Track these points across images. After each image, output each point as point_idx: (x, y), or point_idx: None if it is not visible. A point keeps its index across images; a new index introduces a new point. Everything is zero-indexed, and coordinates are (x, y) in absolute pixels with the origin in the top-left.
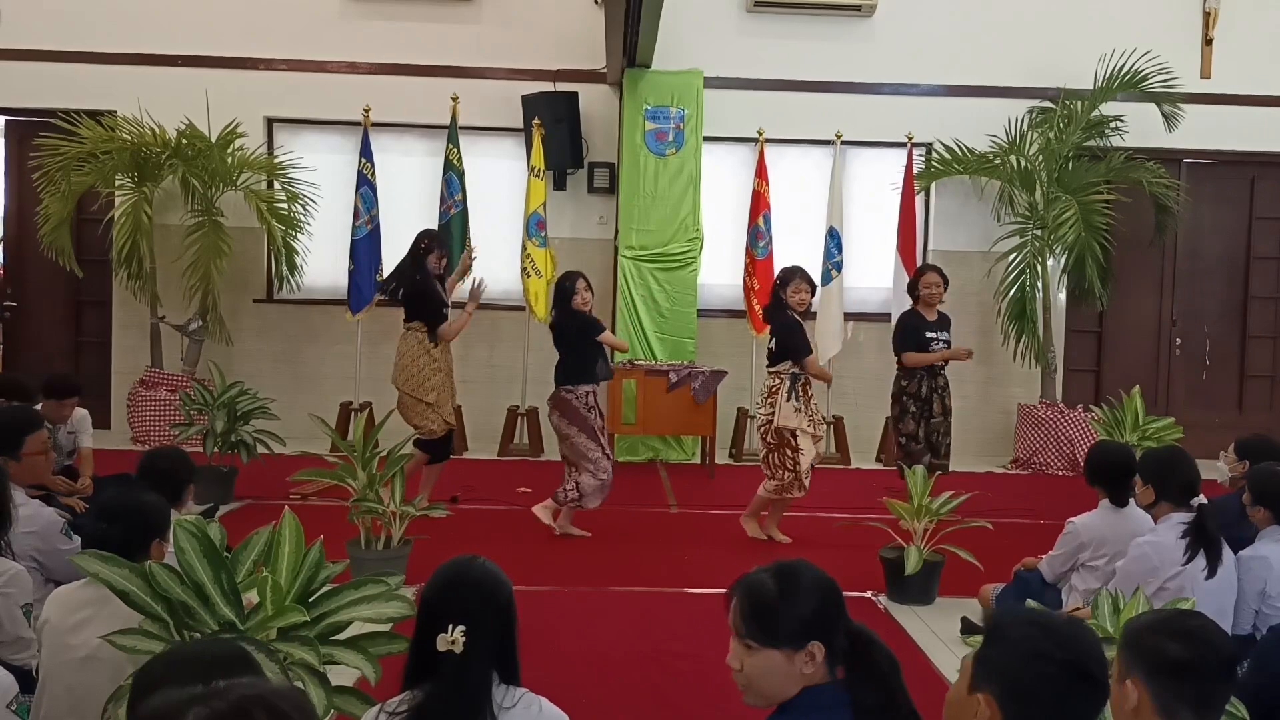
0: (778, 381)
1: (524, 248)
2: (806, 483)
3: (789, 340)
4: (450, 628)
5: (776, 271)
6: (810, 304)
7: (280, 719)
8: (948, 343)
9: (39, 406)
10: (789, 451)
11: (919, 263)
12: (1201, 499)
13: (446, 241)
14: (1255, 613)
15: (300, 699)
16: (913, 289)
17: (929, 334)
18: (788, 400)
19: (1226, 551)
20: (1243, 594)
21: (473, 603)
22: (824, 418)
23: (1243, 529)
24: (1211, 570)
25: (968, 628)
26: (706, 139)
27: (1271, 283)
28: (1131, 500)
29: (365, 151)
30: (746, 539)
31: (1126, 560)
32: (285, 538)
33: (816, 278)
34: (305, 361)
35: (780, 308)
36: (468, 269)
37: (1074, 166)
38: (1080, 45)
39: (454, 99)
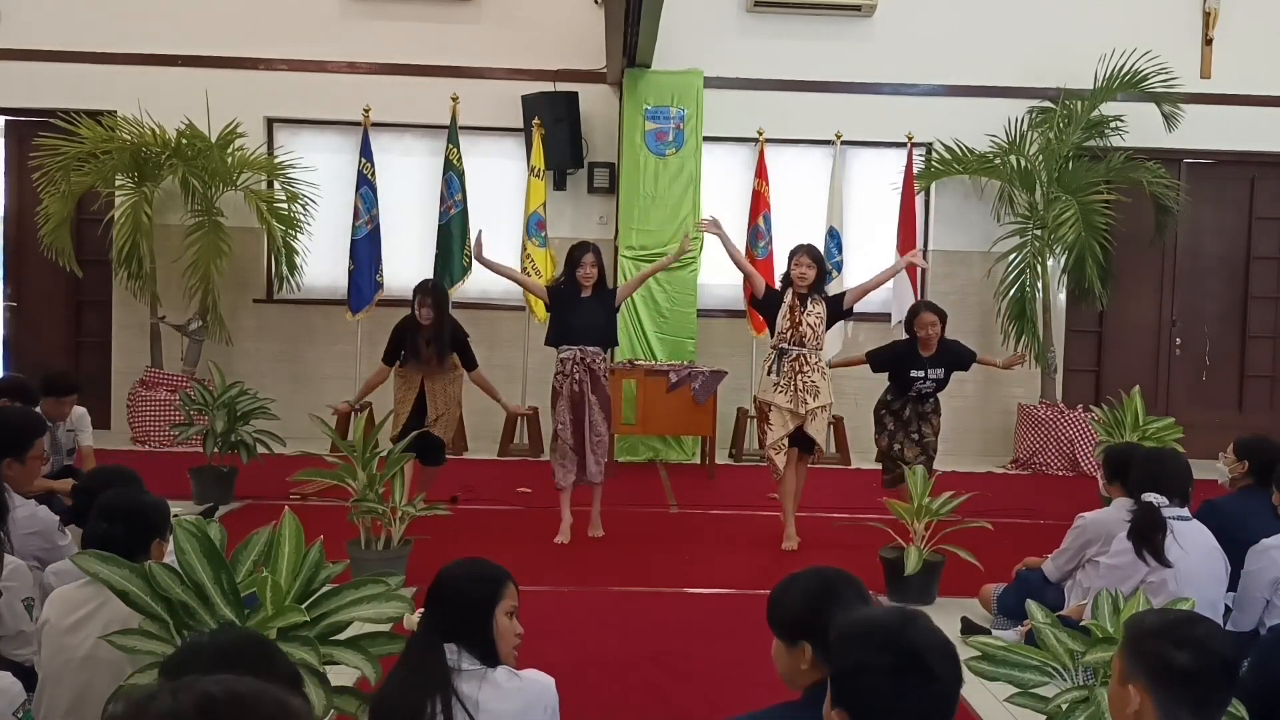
0: (768, 355)
1: (524, 248)
2: (779, 461)
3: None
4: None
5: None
6: (811, 279)
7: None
8: (936, 381)
9: (39, 406)
10: (764, 425)
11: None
12: (1156, 497)
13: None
14: (1265, 603)
15: (264, 692)
16: (909, 327)
17: (914, 372)
18: (768, 374)
19: (1203, 549)
20: (1252, 585)
21: (433, 587)
22: (820, 405)
23: (1246, 529)
24: (1160, 561)
25: (968, 628)
26: (706, 139)
27: (1271, 283)
28: None
29: (365, 151)
30: (747, 539)
31: (1112, 554)
32: (285, 538)
33: None
34: (305, 361)
35: (786, 281)
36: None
37: (1074, 166)
38: (1080, 45)
39: (454, 99)
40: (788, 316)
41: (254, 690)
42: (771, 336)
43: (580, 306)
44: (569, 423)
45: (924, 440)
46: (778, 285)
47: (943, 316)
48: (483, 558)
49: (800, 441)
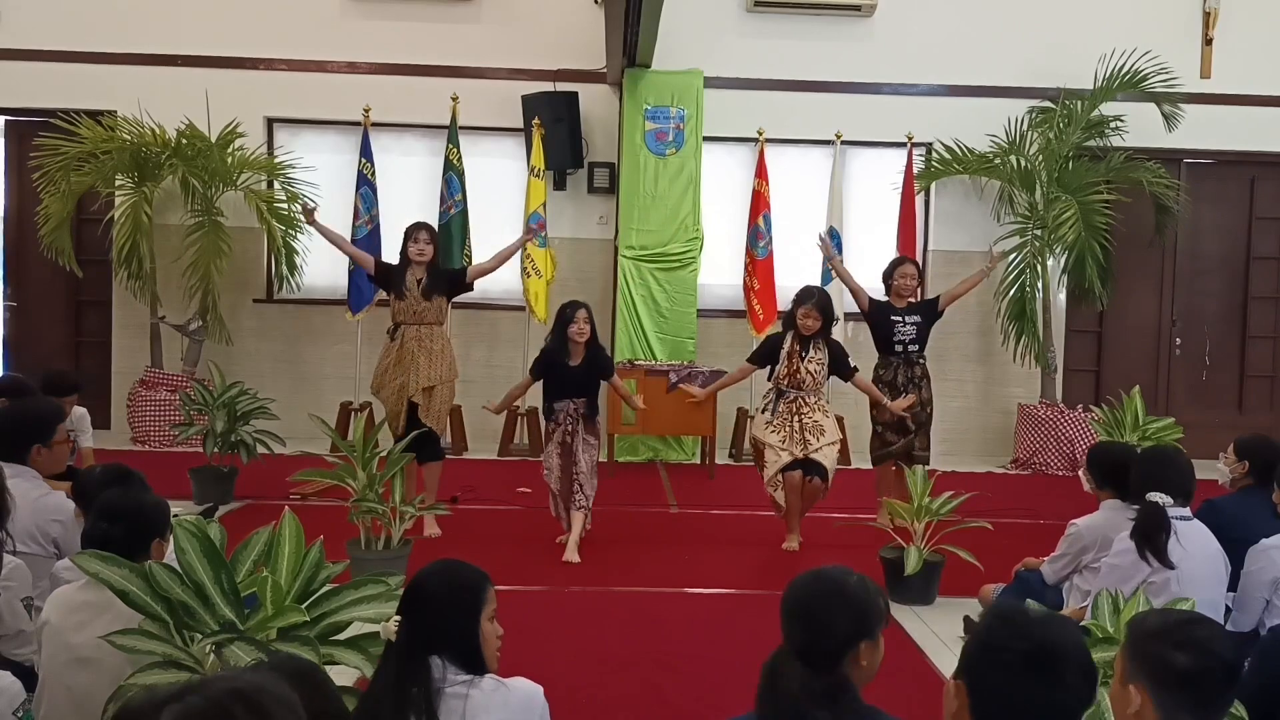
0: (766, 393)
1: (524, 248)
2: (778, 498)
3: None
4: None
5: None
6: (815, 330)
7: (261, 715)
8: (917, 325)
9: None
10: (761, 463)
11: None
12: (1161, 497)
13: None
14: (1265, 603)
15: (284, 692)
16: (887, 278)
17: (894, 317)
18: (762, 412)
19: (1205, 550)
20: (1252, 585)
21: (411, 596)
22: (828, 443)
23: (1246, 529)
24: (1163, 562)
25: (969, 628)
26: (706, 139)
27: (1271, 283)
28: None
29: (365, 151)
30: (747, 539)
31: (1113, 554)
32: (285, 538)
33: (816, 278)
34: (305, 361)
35: (788, 323)
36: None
37: (1074, 166)
38: (1080, 45)
39: (454, 99)
40: (786, 362)
41: (265, 682)
42: (769, 378)
43: (569, 374)
44: (555, 468)
45: (917, 412)
46: (779, 325)
47: (921, 274)
48: (459, 560)
49: (806, 466)
